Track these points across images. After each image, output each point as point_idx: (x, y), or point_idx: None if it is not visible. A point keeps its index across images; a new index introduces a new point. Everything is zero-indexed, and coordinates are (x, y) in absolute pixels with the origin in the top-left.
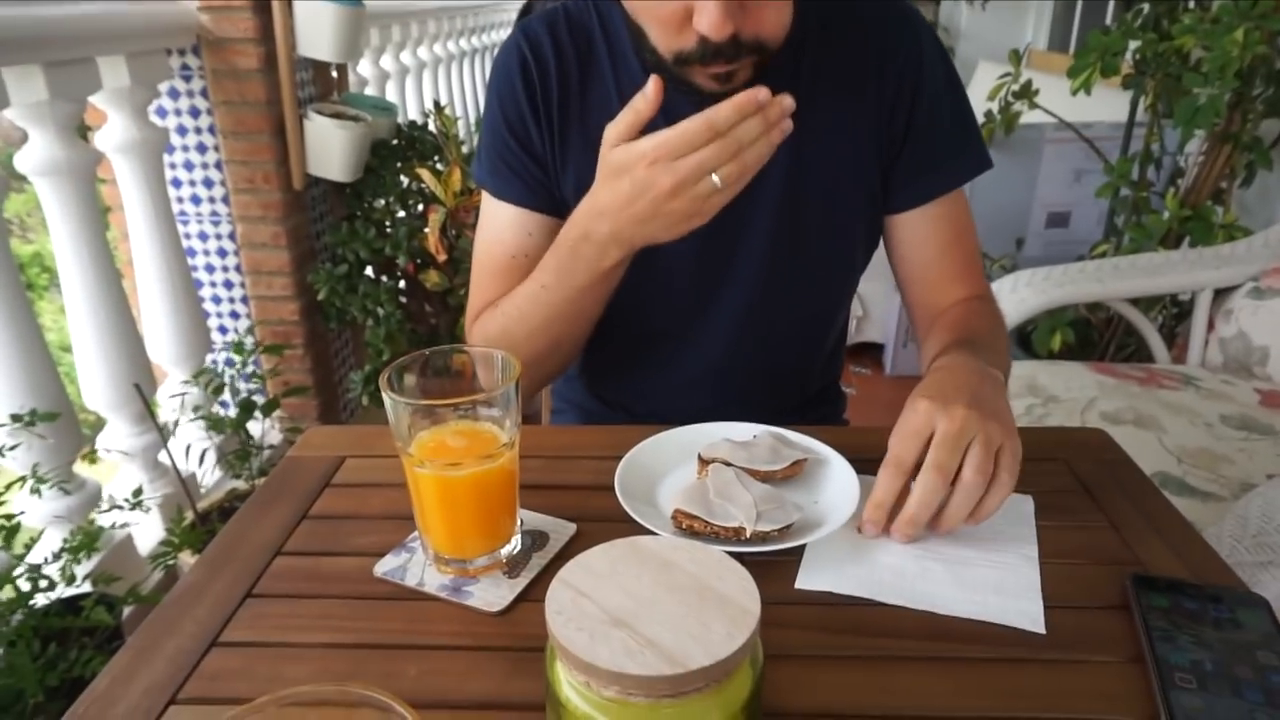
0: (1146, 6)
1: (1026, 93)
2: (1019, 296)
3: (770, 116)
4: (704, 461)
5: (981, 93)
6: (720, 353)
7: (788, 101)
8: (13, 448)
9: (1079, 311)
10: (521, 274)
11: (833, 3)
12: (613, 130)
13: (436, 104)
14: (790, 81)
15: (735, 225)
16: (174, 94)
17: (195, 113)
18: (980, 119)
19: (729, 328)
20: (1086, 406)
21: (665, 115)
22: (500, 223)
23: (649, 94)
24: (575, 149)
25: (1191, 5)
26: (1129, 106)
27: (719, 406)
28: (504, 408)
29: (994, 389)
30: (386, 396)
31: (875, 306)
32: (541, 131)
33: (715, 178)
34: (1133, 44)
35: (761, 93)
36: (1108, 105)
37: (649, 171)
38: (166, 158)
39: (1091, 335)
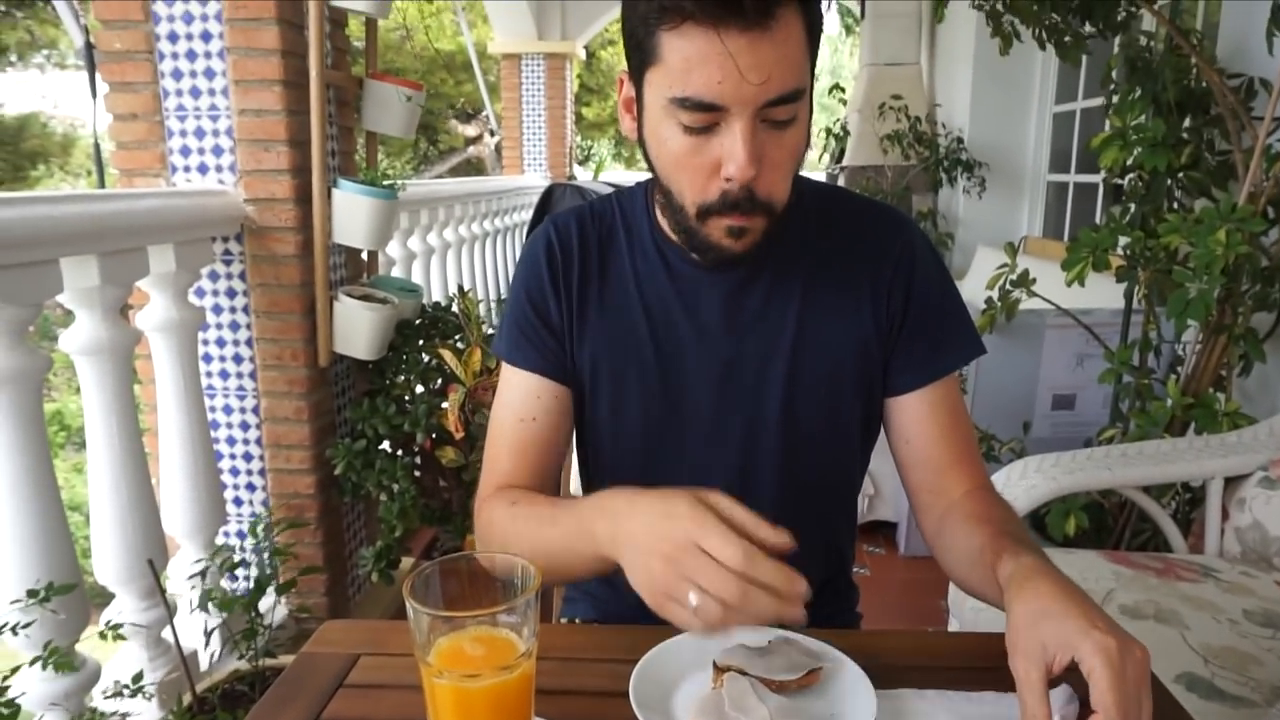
0: (1133, 205)
1: (1024, 281)
2: (1029, 483)
3: (787, 608)
4: (719, 669)
5: (981, 279)
6: None
7: (802, 615)
8: (26, 626)
9: (1091, 495)
10: (529, 440)
11: (831, 206)
12: (730, 504)
13: (460, 288)
14: (794, 271)
15: (744, 408)
16: (214, 276)
17: (232, 293)
18: (982, 305)
19: None
20: (1105, 599)
21: (669, 272)
22: (511, 388)
23: (783, 540)
24: (593, 321)
25: (1175, 206)
26: (1124, 296)
27: None
28: (523, 616)
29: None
30: (410, 605)
31: (886, 484)
32: (561, 307)
33: (694, 598)
34: (1123, 238)
35: (801, 585)
36: (1105, 291)
37: (670, 528)
38: (200, 334)
39: (1106, 519)
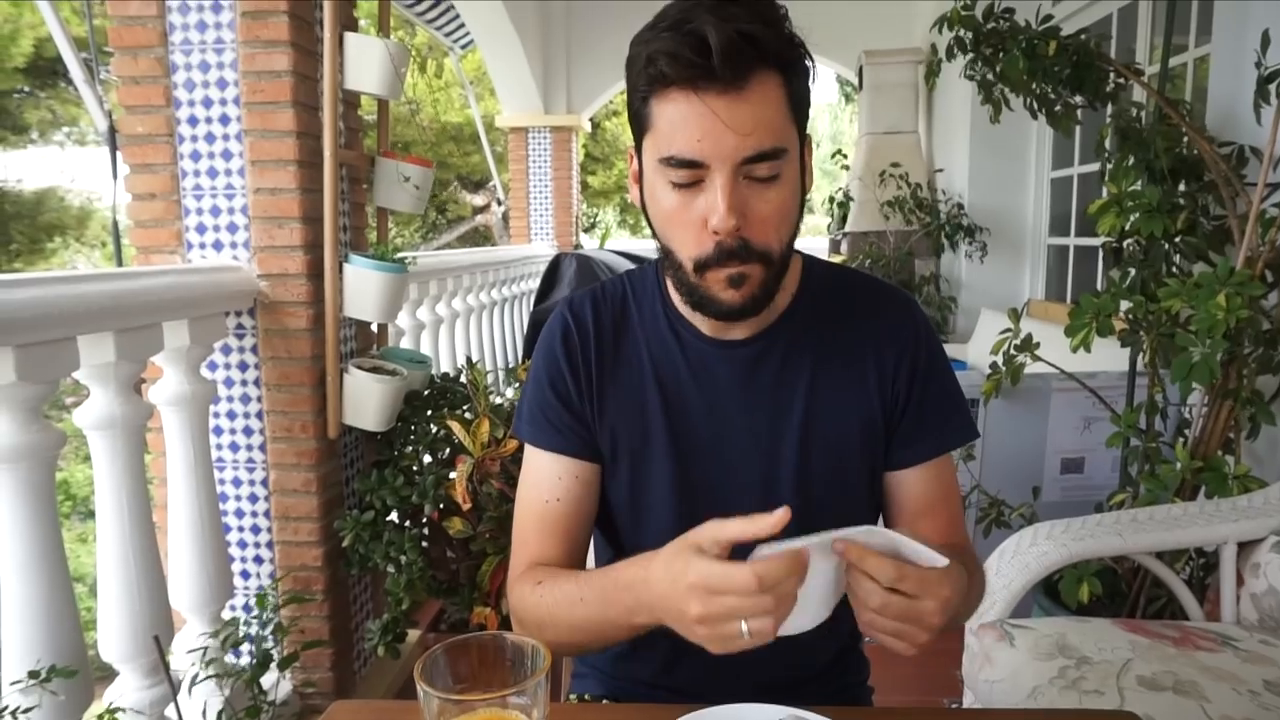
0: (1133, 270)
1: (1028, 346)
2: (1040, 550)
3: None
4: None
5: (985, 343)
6: None
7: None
8: (27, 711)
9: (1104, 561)
10: (555, 521)
11: (839, 284)
12: (716, 528)
13: (469, 359)
14: (804, 345)
15: (758, 481)
16: (226, 349)
17: (244, 366)
18: (986, 370)
19: None
20: (1122, 670)
21: (681, 347)
22: (536, 469)
23: (773, 520)
24: (611, 399)
25: (1174, 270)
26: (1128, 360)
27: (736, 667)
28: (533, 698)
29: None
30: (420, 687)
31: None
32: (580, 388)
33: (744, 626)
34: (1124, 302)
35: (805, 554)
36: (1110, 354)
37: (686, 591)
38: (211, 407)
39: (1120, 585)
